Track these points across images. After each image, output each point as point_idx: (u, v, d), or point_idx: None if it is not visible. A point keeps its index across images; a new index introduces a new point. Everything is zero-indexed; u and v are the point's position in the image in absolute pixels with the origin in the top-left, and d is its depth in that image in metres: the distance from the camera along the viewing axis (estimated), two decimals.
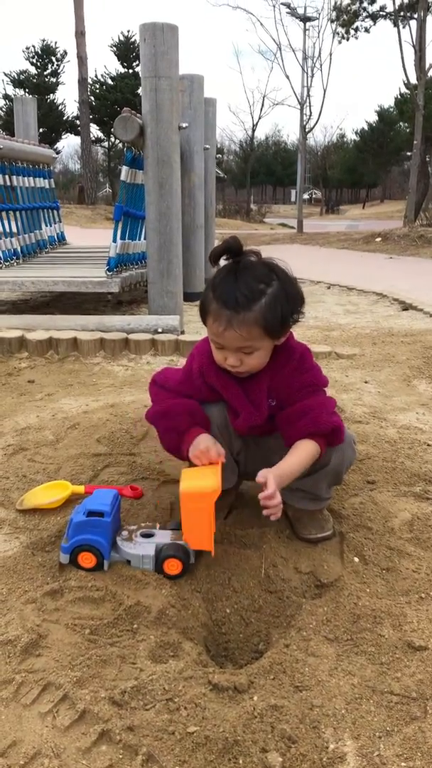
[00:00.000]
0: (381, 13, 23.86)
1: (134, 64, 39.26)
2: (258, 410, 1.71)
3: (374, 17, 24.14)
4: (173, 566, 1.62)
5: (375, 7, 23.94)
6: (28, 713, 1.23)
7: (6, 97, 38.35)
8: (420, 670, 1.34)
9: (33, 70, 40.07)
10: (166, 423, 1.74)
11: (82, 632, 1.43)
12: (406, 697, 1.28)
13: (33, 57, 40.14)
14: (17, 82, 39.04)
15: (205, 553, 1.69)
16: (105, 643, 1.41)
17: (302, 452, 1.64)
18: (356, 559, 1.73)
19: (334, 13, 23.70)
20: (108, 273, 4.55)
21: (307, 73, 23.19)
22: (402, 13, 21.57)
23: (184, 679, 1.30)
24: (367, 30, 24.40)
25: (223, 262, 1.61)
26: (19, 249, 5.81)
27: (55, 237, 6.98)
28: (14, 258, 5.69)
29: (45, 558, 1.71)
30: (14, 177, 5.82)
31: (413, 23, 20.65)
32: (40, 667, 1.33)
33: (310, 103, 23.34)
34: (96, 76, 39.28)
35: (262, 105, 47.52)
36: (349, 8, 23.93)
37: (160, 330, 4.11)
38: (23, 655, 1.36)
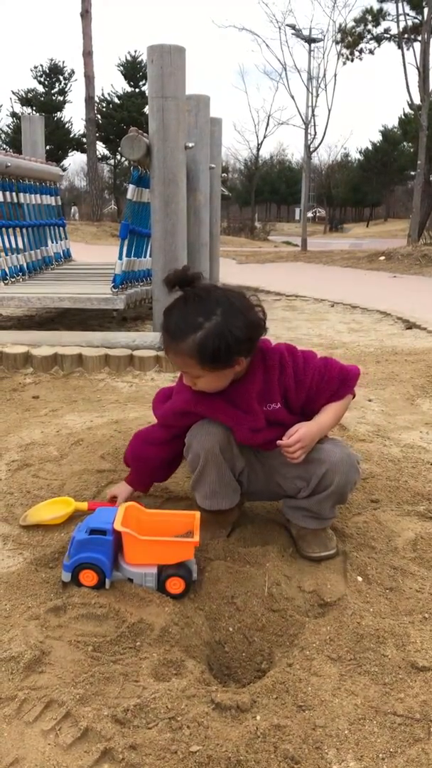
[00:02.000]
0: (385, 35, 24.13)
1: (141, 83, 39.73)
2: (251, 415, 1.76)
3: (378, 39, 24.42)
4: (176, 585, 1.62)
5: (379, 30, 24.23)
6: (31, 731, 1.23)
7: (14, 115, 38.79)
8: (423, 691, 1.33)
9: (41, 89, 40.56)
10: (133, 457, 2.02)
11: (85, 649, 1.43)
12: (409, 718, 1.27)
13: (41, 76, 40.65)
14: (25, 101, 39.50)
15: (209, 571, 1.69)
16: (108, 661, 1.40)
17: (331, 410, 1.79)
18: (360, 579, 1.73)
19: (338, 35, 23.99)
20: (113, 290, 4.57)
21: (312, 94, 23.44)
22: (406, 36, 21.83)
23: (186, 698, 1.30)
24: (371, 52, 24.67)
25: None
26: (25, 265, 5.85)
27: (61, 253, 7.03)
28: (20, 274, 5.73)
29: (48, 574, 1.71)
30: (21, 194, 5.87)
31: (417, 45, 20.91)
32: (42, 684, 1.33)
33: (314, 122, 23.57)
34: (103, 95, 39.72)
35: (267, 124, 47.79)
36: (353, 30, 24.21)
37: None
38: (26, 671, 1.36)
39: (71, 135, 41.25)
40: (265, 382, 1.75)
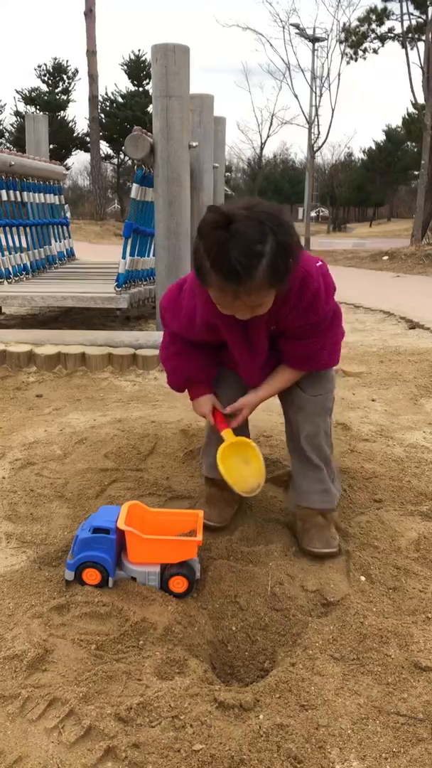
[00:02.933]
0: (389, 34, 24.08)
1: (144, 82, 39.69)
2: (255, 353, 1.77)
3: (382, 39, 24.36)
4: (179, 584, 1.62)
5: (383, 29, 24.17)
6: (34, 729, 1.23)
7: (18, 113, 38.80)
8: (427, 691, 1.33)
9: (44, 88, 40.53)
10: (174, 377, 1.93)
11: (88, 648, 1.43)
12: (412, 718, 1.27)
13: (44, 75, 40.62)
14: (29, 99, 39.48)
15: (212, 570, 1.70)
16: (111, 659, 1.41)
17: (278, 380, 1.84)
18: (363, 578, 1.73)
19: (342, 34, 23.96)
20: (117, 289, 4.58)
21: (315, 93, 23.42)
22: (410, 35, 21.80)
23: (189, 697, 1.30)
24: (375, 51, 24.62)
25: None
26: (28, 264, 5.85)
27: (65, 252, 7.03)
28: (24, 273, 5.73)
29: (52, 573, 1.71)
30: (25, 193, 5.87)
31: (421, 45, 20.89)
32: (46, 683, 1.33)
33: (318, 122, 23.55)
34: (106, 94, 39.73)
35: (271, 123, 47.71)
36: (357, 29, 24.17)
37: None
38: (29, 670, 1.36)
39: (75, 134, 41.23)
40: (277, 311, 1.66)
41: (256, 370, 1.83)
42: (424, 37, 20.56)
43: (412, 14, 21.92)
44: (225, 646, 1.57)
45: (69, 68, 40.79)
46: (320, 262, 1.72)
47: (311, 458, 1.87)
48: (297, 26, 24.57)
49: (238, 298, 1.49)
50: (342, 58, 24.46)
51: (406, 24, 21.62)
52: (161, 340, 1.93)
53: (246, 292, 1.46)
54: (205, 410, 1.91)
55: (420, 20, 21.87)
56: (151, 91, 4.25)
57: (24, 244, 5.89)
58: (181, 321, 1.78)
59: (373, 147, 53.31)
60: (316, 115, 23.45)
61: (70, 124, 41.17)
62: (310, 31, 24.64)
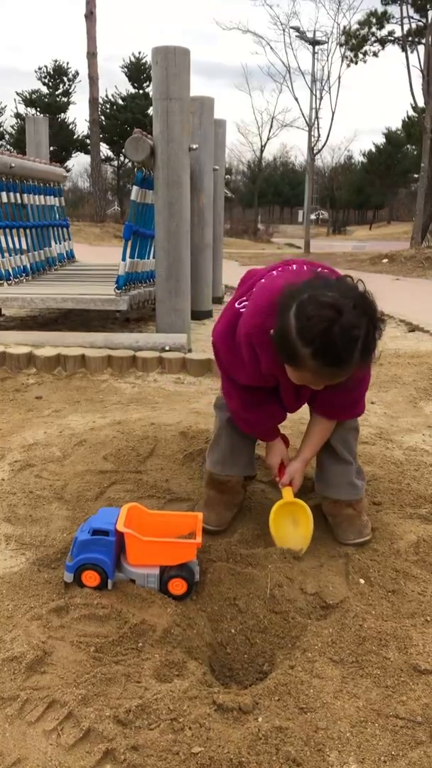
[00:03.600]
0: (389, 38, 24.09)
1: (144, 84, 39.75)
2: (301, 398, 1.84)
3: (383, 42, 24.36)
4: (178, 586, 1.62)
5: (383, 32, 24.17)
6: (33, 731, 1.23)
7: (18, 116, 38.84)
8: (425, 694, 1.33)
9: (45, 90, 40.58)
10: (249, 428, 1.94)
11: (87, 650, 1.43)
12: (411, 721, 1.27)
13: (45, 77, 40.68)
14: (29, 102, 39.53)
15: (211, 572, 1.70)
16: (110, 661, 1.40)
17: (321, 435, 1.88)
18: (362, 581, 1.73)
19: (342, 38, 23.98)
20: (117, 291, 4.58)
21: (315, 96, 23.44)
22: (410, 39, 21.82)
23: (188, 699, 1.30)
24: (375, 54, 24.61)
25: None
26: (28, 266, 5.85)
27: (65, 254, 7.03)
28: (24, 275, 5.74)
29: (51, 575, 1.71)
30: (25, 195, 5.88)
31: (421, 48, 20.92)
32: (45, 685, 1.33)
33: (318, 124, 23.57)
34: (107, 96, 39.78)
35: (271, 126, 47.76)
36: (357, 33, 24.18)
37: (167, 348, 4.13)
38: (28, 672, 1.36)
39: (75, 136, 41.26)
40: None
41: (295, 407, 1.92)
42: (424, 41, 20.59)
43: (412, 17, 21.93)
44: (224, 649, 1.57)
45: (69, 70, 40.84)
46: None
47: (342, 453, 1.92)
48: (297, 29, 24.61)
49: (333, 380, 1.56)
50: (342, 61, 24.45)
51: (406, 27, 21.63)
52: (223, 391, 1.95)
53: (343, 374, 1.53)
54: (274, 462, 1.97)
55: (420, 23, 21.89)
56: (151, 94, 4.26)
57: (24, 246, 5.89)
58: (249, 374, 1.77)
59: (373, 150, 53.39)
60: (316, 117, 23.47)
61: (71, 126, 41.22)
62: (310, 34, 24.68)
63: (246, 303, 1.76)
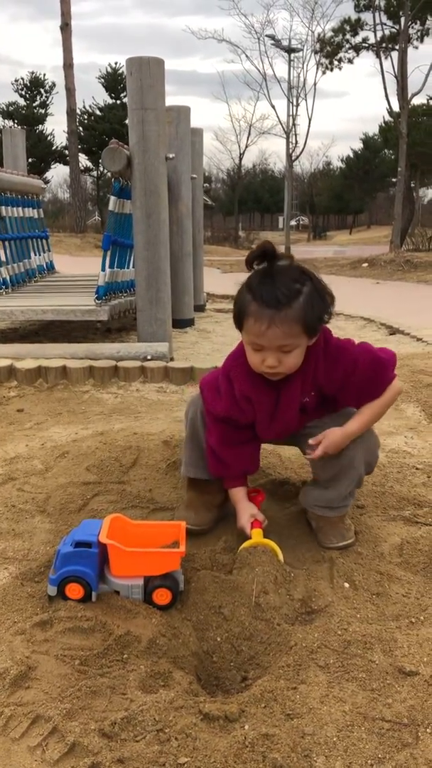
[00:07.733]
0: (363, 44, 24.36)
1: (122, 95, 39.85)
2: (285, 421, 1.83)
3: (357, 49, 24.64)
4: (163, 596, 1.61)
5: (357, 39, 24.45)
6: (17, 747, 1.22)
7: None
8: (411, 696, 1.34)
9: (22, 102, 40.57)
10: (221, 469, 1.93)
11: (71, 663, 1.42)
12: (397, 724, 1.27)
13: (22, 89, 40.69)
14: (6, 114, 39.51)
15: (195, 581, 1.69)
16: (95, 674, 1.39)
17: (366, 414, 1.80)
18: (346, 585, 1.73)
19: (317, 45, 24.21)
20: (97, 301, 4.57)
21: (292, 103, 23.64)
22: (384, 45, 22.08)
23: (174, 709, 1.29)
24: (350, 61, 24.90)
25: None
26: (8, 278, 5.83)
27: (44, 266, 7.02)
28: (3, 287, 5.72)
29: (34, 588, 1.70)
30: (3, 207, 5.86)
31: (395, 54, 21.17)
32: (29, 700, 1.32)
33: (295, 131, 23.75)
34: (84, 107, 39.81)
35: (249, 134, 48.03)
36: (332, 40, 24.44)
37: (149, 357, 4.13)
38: (12, 687, 1.35)
39: (53, 147, 41.27)
40: (314, 377, 1.78)
41: (269, 433, 1.91)
42: (397, 47, 20.83)
43: (385, 24, 22.22)
44: (210, 657, 1.56)
45: (46, 82, 40.88)
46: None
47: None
48: (272, 37, 24.83)
49: (273, 325, 1.60)
50: (317, 68, 24.69)
51: (379, 34, 21.89)
52: (207, 428, 1.93)
53: (281, 320, 1.59)
54: (245, 522, 1.88)
55: (393, 30, 22.16)
56: (128, 105, 4.27)
57: (3, 259, 5.87)
58: (225, 402, 1.85)
59: (351, 155, 53.82)
60: (294, 124, 23.65)
61: (49, 138, 41.22)
62: (285, 42, 24.90)
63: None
